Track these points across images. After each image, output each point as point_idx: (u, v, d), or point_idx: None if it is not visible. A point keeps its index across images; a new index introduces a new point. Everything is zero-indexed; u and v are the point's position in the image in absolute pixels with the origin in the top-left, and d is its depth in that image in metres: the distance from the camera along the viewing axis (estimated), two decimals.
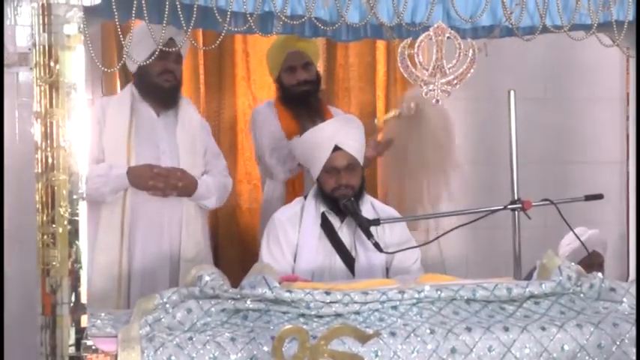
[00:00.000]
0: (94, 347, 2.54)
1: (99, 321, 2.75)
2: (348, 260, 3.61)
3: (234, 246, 5.03)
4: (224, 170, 4.16)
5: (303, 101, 4.37)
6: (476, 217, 3.52)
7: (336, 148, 3.59)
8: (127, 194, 3.84)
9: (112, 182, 3.78)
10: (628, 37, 3.00)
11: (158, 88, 3.91)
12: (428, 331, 2.63)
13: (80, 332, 2.55)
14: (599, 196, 3.74)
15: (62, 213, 2.50)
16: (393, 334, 2.61)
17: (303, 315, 2.71)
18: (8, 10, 4.02)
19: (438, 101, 2.83)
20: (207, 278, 2.77)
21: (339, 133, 3.61)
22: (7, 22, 4.08)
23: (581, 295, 2.88)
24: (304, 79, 4.37)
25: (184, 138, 3.97)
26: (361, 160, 3.66)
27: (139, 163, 3.85)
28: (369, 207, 3.68)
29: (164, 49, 3.52)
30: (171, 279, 3.89)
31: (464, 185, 5.03)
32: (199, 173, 3.99)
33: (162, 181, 3.84)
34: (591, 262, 4.03)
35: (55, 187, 2.50)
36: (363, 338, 2.40)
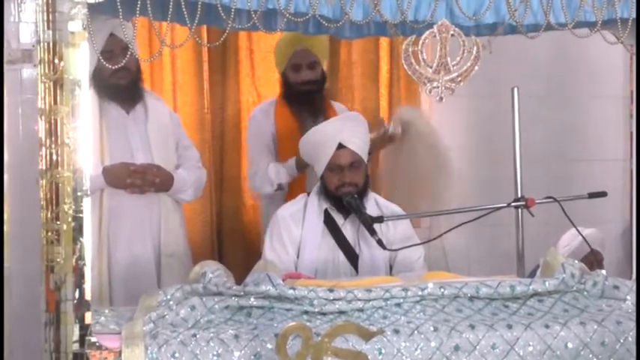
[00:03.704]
0: (97, 344, 2.54)
1: (102, 318, 2.75)
2: (352, 257, 3.61)
3: (237, 243, 5.02)
4: (197, 162, 4.16)
5: (305, 100, 4.36)
6: (479, 215, 3.52)
7: (340, 146, 3.58)
8: (104, 194, 3.82)
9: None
10: (632, 35, 3.00)
11: (116, 87, 3.86)
12: (431, 328, 2.63)
13: (84, 329, 2.54)
14: (603, 194, 3.74)
15: (66, 210, 2.51)
16: (396, 331, 2.61)
17: (306, 312, 2.71)
18: (12, 7, 4.02)
19: (441, 99, 2.83)
20: (210, 275, 2.78)
21: (343, 131, 3.61)
22: (10, 19, 4.08)
23: (585, 292, 2.88)
24: (308, 79, 4.34)
25: (155, 133, 3.95)
26: (365, 158, 3.66)
27: (113, 162, 3.83)
28: (373, 204, 3.68)
29: (107, 49, 3.53)
30: (157, 275, 3.89)
31: (467, 183, 5.03)
32: (173, 167, 3.99)
33: (139, 179, 3.82)
34: (590, 260, 4.04)
35: (60, 184, 2.50)
36: (367, 336, 2.40)
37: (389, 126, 4.26)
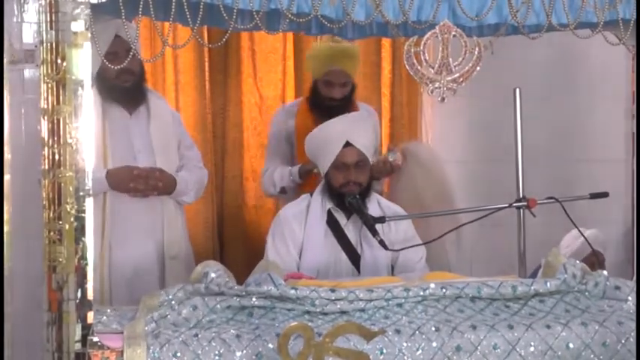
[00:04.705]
0: (99, 343, 2.55)
1: (105, 317, 2.75)
2: (354, 257, 3.62)
3: (239, 243, 5.03)
4: (199, 162, 4.16)
5: (332, 111, 4.34)
6: (481, 215, 3.53)
7: (347, 144, 3.59)
8: (107, 197, 3.80)
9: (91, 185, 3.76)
10: (634, 36, 3.00)
11: (120, 89, 3.85)
12: (433, 328, 2.63)
13: (86, 328, 2.55)
14: (605, 194, 3.74)
15: (68, 210, 2.51)
16: (398, 331, 2.61)
17: (308, 312, 2.71)
18: (15, 7, 4.03)
19: (443, 99, 2.83)
20: (212, 275, 2.78)
21: (350, 129, 3.62)
22: (13, 19, 4.09)
23: (586, 293, 2.88)
24: (339, 97, 4.33)
25: (158, 134, 3.94)
26: (370, 159, 3.67)
27: (116, 165, 3.82)
28: (375, 204, 3.69)
29: (111, 50, 3.54)
30: (159, 278, 3.90)
31: (469, 183, 5.03)
32: (175, 168, 3.99)
33: (142, 183, 3.81)
34: (592, 261, 4.03)
35: (62, 184, 2.51)
36: (368, 336, 2.41)
37: (389, 154, 4.26)
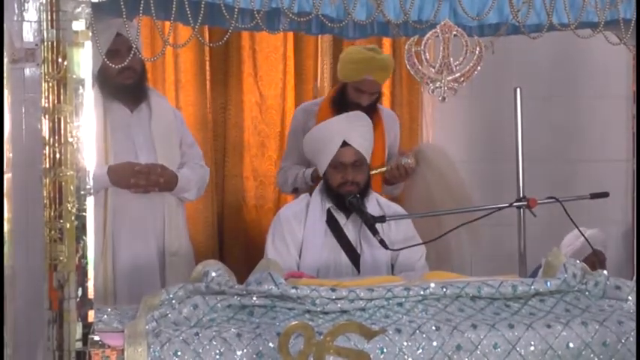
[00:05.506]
0: (100, 342, 2.55)
1: (105, 316, 2.76)
2: (354, 257, 3.62)
3: (239, 242, 5.03)
4: (200, 160, 4.17)
5: None
6: (481, 215, 3.53)
7: (344, 144, 3.60)
8: (108, 193, 3.81)
9: (92, 183, 3.75)
10: (634, 35, 3.00)
11: (121, 87, 3.85)
12: (433, 328, 2.63)
13: (87, 327, 2.55)
14: (605, 194, 3.74)
15: (69, 208, 2.51)
16: (398, 330, 2.61)
17: (308, 311, 2.71)
18: (15, 6, 4.03)
19: (444, 99, 2.83)
20: (213, 274, 2.78)
21: (348, 129, 3.63)
22: (14, 18, 4.09)
23: (587, 292, 2.88)
24: (366, 104, 4.29)
25: (159, 132, 3.95)
26: (368, 158, 3.68)
27: (117, 162, 3.83)
28: (375, 204, 3.69)
29: (112, 48, 3.54)
30: (160, 273, 3.90)
31: (469, 183, 5.03)
32: (177, 165, 4.00)
33: (143, 179, 3.81)
34: (592, 261, 4.03)
35: (63, 183, 2.51)
36: (369, 335, 2.41)
37: (401, 158, 4.27)
